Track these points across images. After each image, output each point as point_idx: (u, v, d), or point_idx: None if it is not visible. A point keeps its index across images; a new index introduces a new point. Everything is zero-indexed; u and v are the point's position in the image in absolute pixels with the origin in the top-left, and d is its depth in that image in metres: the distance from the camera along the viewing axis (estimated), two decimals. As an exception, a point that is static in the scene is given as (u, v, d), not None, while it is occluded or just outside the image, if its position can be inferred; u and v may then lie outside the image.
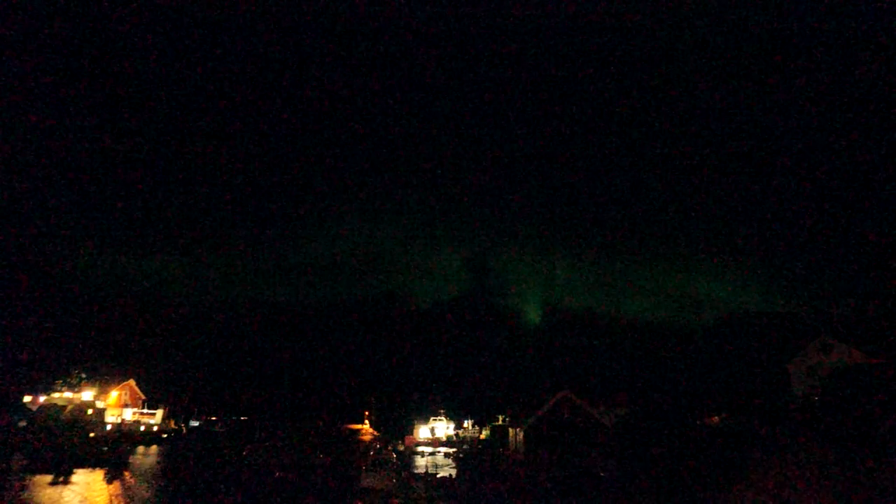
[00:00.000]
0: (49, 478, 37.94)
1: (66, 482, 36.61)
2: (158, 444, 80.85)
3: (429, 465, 56.40)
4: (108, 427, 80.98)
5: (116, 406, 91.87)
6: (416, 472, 45.94)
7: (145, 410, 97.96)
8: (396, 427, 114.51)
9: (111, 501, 30.84)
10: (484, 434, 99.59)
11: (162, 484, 38.30)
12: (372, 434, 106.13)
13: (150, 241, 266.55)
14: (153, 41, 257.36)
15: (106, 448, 52.33)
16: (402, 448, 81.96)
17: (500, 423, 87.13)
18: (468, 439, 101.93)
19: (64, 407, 77.99)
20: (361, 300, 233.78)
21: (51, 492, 33.06)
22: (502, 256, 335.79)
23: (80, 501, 30.35)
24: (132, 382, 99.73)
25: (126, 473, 42.74)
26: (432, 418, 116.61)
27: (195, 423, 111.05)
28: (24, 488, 33.69)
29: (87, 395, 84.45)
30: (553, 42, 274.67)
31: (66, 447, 50.22)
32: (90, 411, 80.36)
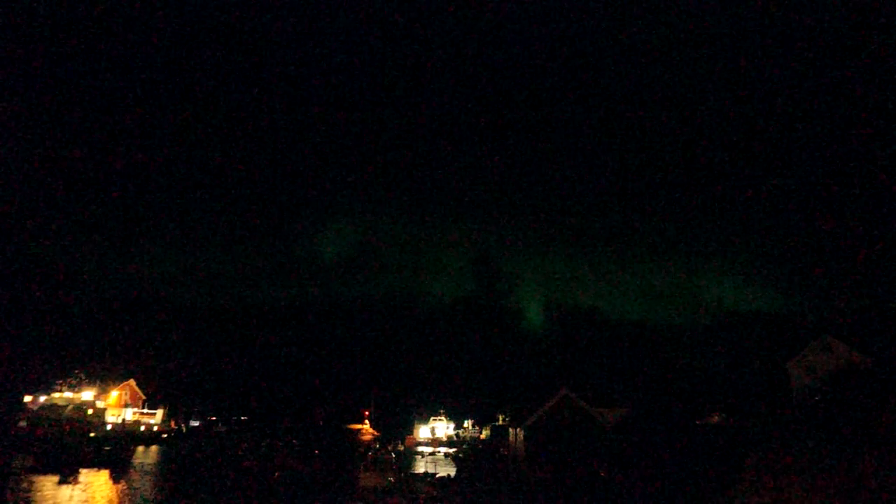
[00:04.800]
0: (55, 478, 37.97)
1: (75, 482, 36.69)
2: (158, 444, 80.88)
3: (429, 465, 56.46)
4: (109, 427, 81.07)
5: (117, 406, 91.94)
6: (415, 472, 46.02)
7: (145, 410, 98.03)
8: (396, 427, 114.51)
9: (121, 501, 30.91)
10: (484, 434, 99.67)
11: (166, 484, 38.36)
12: (372, 434, 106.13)
13: (149, 241, 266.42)
14: (150, 39, 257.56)
15: (108, 448, 52.40)
16: (401, 448, 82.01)
17: (500, 423, 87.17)
18: (468, 439, 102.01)
19: (64, 407, 78.11)
20: (364, 300, 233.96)
21: (61, 491, 33.13)
22: (506, 256, 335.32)
23: (91, 501, 30.43)
24: (132, 382, 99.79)
25: (131, 473, 42.82)
26: (432, 418, 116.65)
27: (195, 423, 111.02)
28: (32, 489, 33.73)
29: (87, 395, 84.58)
30: (557, 42, 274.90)
31: (69, 447, 50.31)
32: (90, 411, 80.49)
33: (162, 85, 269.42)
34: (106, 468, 44.44)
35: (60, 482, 36.28)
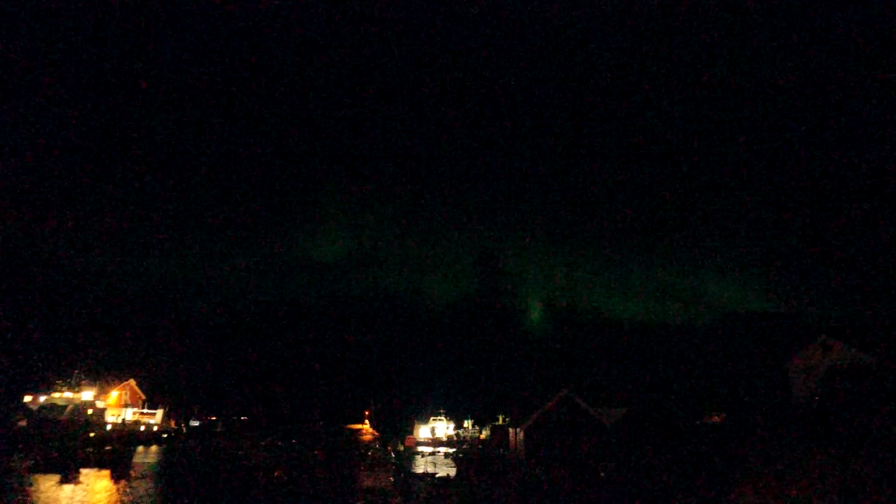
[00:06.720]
0: (57, 477, 37.99)
1: (75, 482, 36.73)
2: (158, 444, 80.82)
3: (429, 465, 56.48)
4: (109, 427, 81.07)
5: (116, 406, 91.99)
6: (415, 472, 46.03)
7: (145, 410, 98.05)
8: (396, 427, 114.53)
9: (122, 500, 30.96)
10: (484, 434, 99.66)
11: (167, 483, 38.38)
12: (372, 434, 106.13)
13: (150, 240, 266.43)
14: (155, 37, 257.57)
15: (109, 448, 52.38)
16: (401, 448, 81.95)
17: (500, 423, 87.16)
18: (468, 439, 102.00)
19: (64, 407, 78.16)
20: (363, 300, 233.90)
21: (61, 491, 33.15)
22: (507, 256, 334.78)
23: (92, 501, 30.48)
24: (132, 382, 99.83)
25: (131, 473, 42.82)
26: (432, 418, 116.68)
27: (195, 423, 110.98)
28: (33, 489, 33.74)
29: (87, 395, 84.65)
30: (556, 41, 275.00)
31: (69, 447, 50.32)
32: (90, 411, 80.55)
33: (163, 86, 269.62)
34: (106, 468, 44.43)
35: (61, 482, 36.29)
